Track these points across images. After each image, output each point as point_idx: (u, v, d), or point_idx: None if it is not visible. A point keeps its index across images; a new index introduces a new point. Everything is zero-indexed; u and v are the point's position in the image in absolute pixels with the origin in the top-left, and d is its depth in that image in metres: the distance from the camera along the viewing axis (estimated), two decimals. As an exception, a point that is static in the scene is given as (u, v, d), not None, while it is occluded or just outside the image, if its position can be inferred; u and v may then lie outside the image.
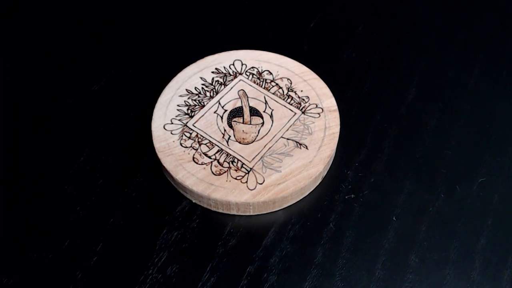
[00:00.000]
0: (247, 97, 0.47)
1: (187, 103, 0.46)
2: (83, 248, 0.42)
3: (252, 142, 0.44)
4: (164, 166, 0.43)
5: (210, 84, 0.48)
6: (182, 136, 0.44)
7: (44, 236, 0.42)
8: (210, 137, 0.44)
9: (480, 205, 0.44)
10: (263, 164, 0.43)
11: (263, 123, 0.45)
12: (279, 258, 0.42)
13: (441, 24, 0.56)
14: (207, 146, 0.44)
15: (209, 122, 0.45)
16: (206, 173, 0.42)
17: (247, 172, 0.43)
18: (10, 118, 0.48)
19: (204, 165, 0.43)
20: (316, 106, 0.47)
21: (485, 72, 0.52)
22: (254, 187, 0.42)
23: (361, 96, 0.49)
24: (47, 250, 0.41)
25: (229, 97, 0.47)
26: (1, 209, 0.43)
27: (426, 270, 0.41)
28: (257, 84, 0.48)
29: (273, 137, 0.45)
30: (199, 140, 0.44)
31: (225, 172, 0.43)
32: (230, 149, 0.44)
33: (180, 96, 0.47)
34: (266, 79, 0.48)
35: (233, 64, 0.49)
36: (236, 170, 0.43)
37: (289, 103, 0.47)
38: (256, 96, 0.47)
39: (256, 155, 0.44)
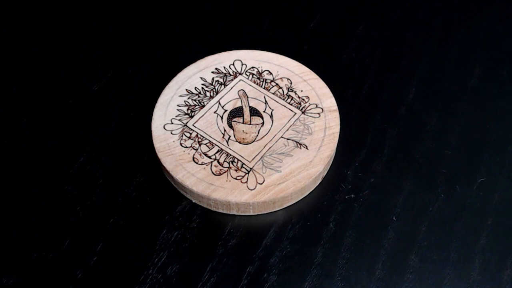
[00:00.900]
0: (247, 97, 0.47)
1: (187, 103, 0.46)
2: (83, 248, 0.42)
3: (252, 142, 0.44)
4: (164, 166, 0.43)
5: (210, 84, 0.48)
6: (182, 136, 0.44)
7: (44, 236, 0.42)
8: (210, 137, 0.44)
9: (480, 205, 0.44)
10: (263, 164, 0.43)
11: (263, 123, 0.45)
12: (279, 258, 0.42)
13: (441, 24, 0.56)
14: (207, 146, 0.44)
15: (209, 122, 0.45)
16: (206, 173, 0.42)
17: (247, 172, 0.43)
18: (10, 118, 0.48)
19: (204, 165, 0.43)
20: (316, 106, 0.47)
21: (485, 72, 0.52)
22: (254, 187, 0.42)
23: (361, 96, 0.49)
24: (47, 250, 0.41)
25: (229, 97, 0.47)
26: (1, 209, 0.43)
27: (426, 270, 0.41)
28: (257, 84, 0.48)
29: (273, 137, 0.45)
30: (199, 140, 0.44)
31: (225, 172, 0.43)
32: (230, 149, 0.44)
33: (180, 96, 0.47)
34: (266, 79, 0.48)
35: (233, 64, 0.49)
36: (236, 170, 0.43)
37: (289, 103, 0.47)
38: (256, 96, 0.47)
39: (256, 155, 0.44)
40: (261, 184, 0.42)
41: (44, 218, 0.43)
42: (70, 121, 0.48)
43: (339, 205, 0.44)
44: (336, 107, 0.46)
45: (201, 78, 0.48)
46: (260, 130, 0.45)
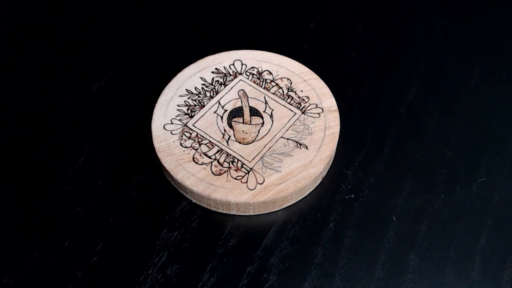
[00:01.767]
0: (247, 97, 0.47)
1: (187, 103, 0.46)
2: (83, 248, 0.42)
3: (252, 142, 0.44)
4: (164, 166, 0.43)
5: (210, 84, 0.48)
6: (182, 136, 0.44)
7: (44, 236, 0.42)
8: (210, 137, 0.44)
9: (480, 205, 0.44)
10: (263, 164, 0.43)
11: (263, 123, 0.45)
12: (279, 258, 0.42)
13: (441, 24, 0.56)
14: (207, 146, 0.44)
15: (209, 122, 0.45)
16: (206, 173, 0.42)
17: (247, 172, 0.43)
18: (10, 118, 0.48)
19: (204, 165, 0.43)
20: (316, 106, 0.47)
21: (485, 72, 0.52)
22: (254, 187, 0.42)
23: (361, 96, 0.49)
24: (47, 250, 0.41)
25: (229, 97, 0.47)
26: (1, 209, 0.43)
27: (426, 270, 0.41)
28: (257, 84, 0.48)
29: (273, 137, 0.45)
30: (199, 140, 0.44)
31: (225, 172, 0.43)
32: (230, 149, 0.44)
33: (180, 96, 0.47)
34: (266, 79, 0.48)
35: (233, 64, 0.49)
36: (236, 170, 0.43)
37: (289, 103, 0.47)
38: (256, 96, 0.47)
39: (256, 155, 0.44)
40: (261, 184, 0.42)
41: (44, 218, 0.43)
42: (70, 121, 0.48)
43: (339, 205, 0.44)
44: (336, 107, 0.46)
45: (201, 78, 0.48)
46: (260, 130, 0.45)
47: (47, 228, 0.42)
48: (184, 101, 0.46)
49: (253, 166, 0.43)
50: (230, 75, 0.48)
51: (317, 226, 0.43)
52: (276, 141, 0.44)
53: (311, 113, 0.46)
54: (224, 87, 0.47)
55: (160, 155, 0.43)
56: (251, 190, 0.42)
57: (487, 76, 0.51)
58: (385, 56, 0.53)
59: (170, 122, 0.45)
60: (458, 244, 0.43)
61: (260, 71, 0.49)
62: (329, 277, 0.41)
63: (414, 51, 0.53)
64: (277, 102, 0.47)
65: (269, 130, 0.45)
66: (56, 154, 0.46)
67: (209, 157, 0.43)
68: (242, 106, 0.46)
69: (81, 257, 0.41)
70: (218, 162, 0.43)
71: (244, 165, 0.43)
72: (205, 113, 0.46)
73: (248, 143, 0.44)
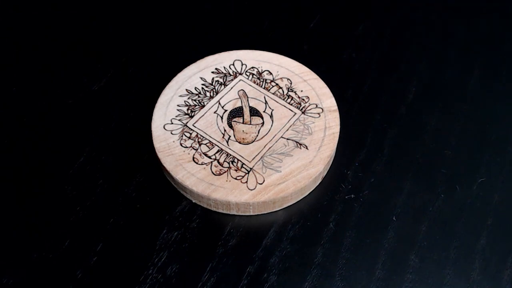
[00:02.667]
0: (247, 97, 0.47)
1: (187, 103, 0.46)
2: (83, 248, 0.42)
3: (252, 142, 0.44)
4: (164, 166, 0.43)
5: (210, 84, 0.48)
6: (182, 136, 0.44)
7: (44, 236, 0.42)
8: (210, 137, 0.44)
9: (480, 205, 0.44)
10: (263, 164, 0.43)
11: (263, 123, 0.45)
12: (279, 258, 0.42)
13: (441, 24, 0.56)
14: (207, 146, 0.44)
15: (209, 122, 0.45)
16: (206, 173, 0.42)
17: (247, 172, 0.43)
18: (10, 118, 0.48)
19: (204, 165, 0.43)
20: (316, 106, 0.47)
21: (485, 72, 0.52)
22: (254, 187, 0.42)
23: (361, 96, 0.49)
24: (47, 250, 0.41)
25: (229, 97, 0.47)
26: (1, 209, 0.43)
27: (426, 270, 0.41)
28: (257, 84, 0.48)
29: (273, 137, 0.45)
30: (199, 140, 0.44)
31: (225, 172, 0.43)
32: (230, 149, 0.44)
33: (180, 96, 0.47)
34: (266, 79, 0.48)
35: (233, 64, 0.49)
36: (236, 170, 0.43)
37: (289, 103, 0.47)
38: (256, 96, 0.47)
39: (256, 155, 0.44)
40: (261, 184, 0.42)
41: (44, 218, 0.43)
42: (70, 121, 0.48)
43: (339, 205, 0.44)
44: (336, 107, 0.46)
45: (201, 78, 0.48)
46: (260, 130, 0.45)
47: (47, 228, 0.42)
48: (184, 101, 0.46)
49: (253, 166, 0.43)
50: (230, 75, 0.48)
51: (317, 226, 0.43)
52: (276, 141, 0.44)
53: (311, 113, 0.46)
54: (224, 87, 0.47)
55: (160, 155, 0.43)
56: (251, 190, 0.42)
57: (487, 76, 0.51)
58: (385, 56, 0.53)
59: (170, 122, 0.45)
60: (458, 244, 0.43)
61: (260, 71, 0.49)
62: (329, 277, 0.41)
63: (414, 51, 0.53)
64: (277, 102, 0.47)
65: (269, 130, 0.45)
66: (56, 154, 0.46)
67: (209, 157, 0.43)
68: (242, 106, 0.46)
69: (81, 257, 0.41)
70: (218, 162, 0.43)
71: (244, 165, 0.43)
72: (205, 113, 0.46)
73: (248, 143, 0.44)
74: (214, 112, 0.46)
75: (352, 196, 0.44)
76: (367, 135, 0.48)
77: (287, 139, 0.45)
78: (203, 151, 0.44)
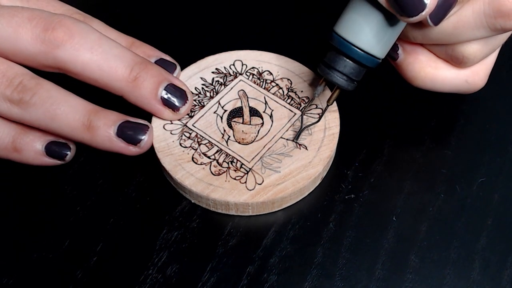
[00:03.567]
0: (247, 97, 0.47)
1: (187, 103, 0.46)
2: (83, 248, 0.42)
3: (251, 142, 0.44)
4: (163, 166, 0.43)
5: (210, 84, 0.48)
6: (181, 136, 0.44)
7: (44, 236, 0.42)
8: (210, 137, 0.45)
9: (480, 205, 0.44)
10: (262, 165, 0.43)
11: (262, 123, 0.45)
12: (279, 258, 0.42)
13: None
14: (206, 146, 0.44)
15: (208, 122, 0.45)
16: (205, 173, 0.43)
17: (246, 172, 0.43)
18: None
19: (204, 165, 0.43)
20: (316, 106, 0.47)
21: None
22: (253, 188, 0.42)
23: (361, 96, 0.49)
24: (47, 250, 0.41)
25: (229, 97, 0.47)
26: (1, 209, 0.43)
27: (426, 270, 0.41)
28: (257, 84, 0.48)
29: (273, 138, 0.45)
30: (199, 140, 0.44)
31: (224, 172, 0.43)
32: (229, 149, 0.44)
33: (180, 96, 0.47)
34: (266, 80, 0.48)
35: (233, 64, 0.49)
36: (235, 170, 0.43)
37: (289, 103, 0.47)
38: (256, 97, 0.47)
39: (256, 156, 0.44)
40: (260, 184, 0.42)
41: (44, 218, 0.43)
42: (70, 122, 0.48)
43: (339, 205, 0.44)
44: (336, 108, 0.46)
45: (201, 78, 0.48)
46: (260, 131, 0.45)
47: (47, 228, 0.42)
48: (184, 101, 0.46)
49: (252, 167, 0.43)
50: (230, 75, 0.48)
51: (317, 226, 0.43)
52: (275, 142, 0.44)
53: (311, 113, 0.46)
54: (224, 87, 0.48)
55: (160, 155, 0.43)
56: (250, 190, 0.42)
57: (488, 76, 0.51)
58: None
59: (169, 122, 0.45)
60: (458, 244, 0.43)
61: (260, 71, 0.49)
62: (329, 277, 0.41)
63: (415, 51, 0.53)
64: (277, 102, 0.47)
65: (268, 131, 0.45)
66: (57, 154, 0.46)
67: (209, 157, 0.43)
68: (242, 106, 0.46)
69: (81, 257, 0.41)
70: (218, 162, 0.43)
71: (243, 165, 0.43)
72: (205, 113, 0.46)
73: (247, 143, 0.44)
74: (214, 112, 0.46)
75: (352, 196, 0.44)
76: (367, 135, 0.48)
77: (287, 139, 0.45)
78: (203, 151, 0.44)
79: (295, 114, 0.46)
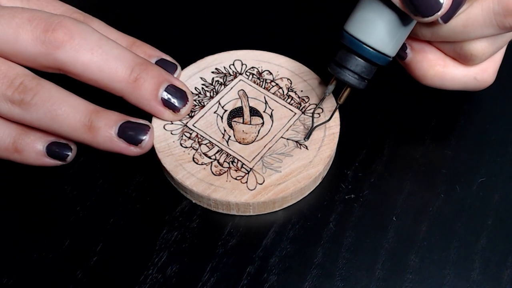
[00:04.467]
0: (247, 97, 0.47)
1: (187, 103, 0.46)
2: (83, 248, 0.42)
3: (252, 142, 0.44)
4: (164, 166, 0.43)
5: (210, 84, 0.48)
6: (182, 136, 0.44)
7: (44, 236, 0.42)
8: (210, 137, 0.44)
9: (480, 205, 0.44)
10: (263, 164, 0.43)
11: (263, 123, 0.45)
12: (279, 258, 0.42)
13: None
14: (207, 146, 0.44)
15: (209, 122, 0.45)
16: (206, 173, 0.42)
17: (247, 172, 0.43)
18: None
19: (204, 165, 0.43)
20: (316, 106, 0.47)
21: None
22: (254, 187, 0.42)
23: (361, 96, 0.49)
24: (47, 250, 0.41)
25: (229, 97, 0.47)
26: (1, 209, 0.43)
27: (426, 270, 0.41)
28: (257, 84, 0.48)
29: (273, 137, 0.45)
30: (199, 140, 0.44)
31: (225, 172, 0.43)
32: (230, 149, 0.44)
33: (180, 96, 0.47)
34: (266, 79, 0.48)
35: (233, 64, 0.49)
36: (236, 170, 0.43)
37: (289, 103, 0.47)
38: (256, 96, 0.47)
39: (256, 155, 0.44)
40: (261, 184, 0.42)
41: (44, 218, 0.43)
42: (70, 121, 0.48)
43: (339, 205, 0.44)
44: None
45: (201, 78, 0.48)
46: (260, 130, 0.45)
47: (47, 228, 0.42)
48: (184, 101, 0.46)
49: (253, 166, 0.43)
50: (230, 75, 0.48)
51: (317, 226, 0.43)
52: (276, 141, 0.44)
53: (311, 113, 0.46)
54: (224, 87, 0.48)
55: (160, 155, 0.43)
56: (251, 190, 0.42)
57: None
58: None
59: (170, 122, 0.45)
60: (458, 244, 0.43)
61: (260, 71, 0.49)
62: (329, 277, 0.41)
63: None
64: (277, 102, 0.47)
65: (269, 130, 0.45)
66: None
67: (209, 157, 0.43)
68: (242, 106, 0.46)
69: (81, 257, 0.41)
70: (218, 162, 0.43)
71: (244, 165, 0.43)
72: (205, 113, 0.46)
73: (248, 143, 0.44)
74: (214, 112, 0.46)
75: (352, 196, 0.44)
76: (367, 135, 0.48)
77: (287, 139, 0.45)
78: (203, 151, 0.44)
79: (295, 113, 0.46)
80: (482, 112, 0.49)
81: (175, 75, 0.46)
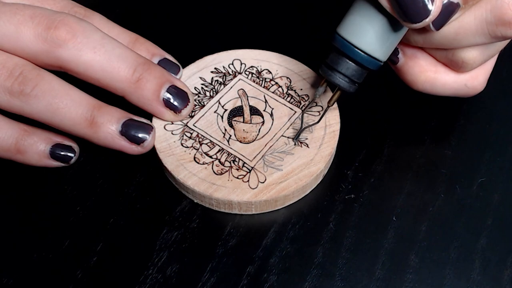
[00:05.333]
0: (247, 96, 0.47)
1: (187, 102, 0.46)
2: (83, 248, 0.41)
3: (252, 141, 0.44)
4: (165, 167, 0.43)
5: (209, 84, 0.48)
6: (182, 136, 0.44)
7: (44, 236, 0.42)
8: (211, 136, 0.44)
9: (480, 205, 0.44)
10: (264, 163, 0.43)
11: (263, 122, 0.45)
12: (279, 258, 0.42)
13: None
14: (208, 145, 0.44)
15: (209, 121, 0.45)
16: (208, 173, 0.42)
17: (248, 171, 0.43)
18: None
19: (206, 165, 0.43)
20: (316, 104, 0.47)
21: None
22: (256, 186, 0.42)
23: (361, 96, 0.49)
24: (47, 250, 0.41)
25: (229, 97, 0.47)
26: (1, 209, 0.43)
27: (426, 270, 0.41)
28: (256, 83, 0.48)
29: (274, 136, 0.45)
30: (200, 140, 0.44)
31: (226, 171, 0.43)
32: (231, 148, 0.44)
33: (180, 95, 0.47)
34: (265, 78, 0.48)
35: (232, 64, 0.49)
36: (237, 169, 0.43)
37: (289, 101, 0.47)
38: (256, 95, 0.47)
39: (257, 154, 0.44)
40: (263, 183, 0.42)
41: (44, 218, 0.43)
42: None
43: (339, 205, 0.44)
44: (336, 105, 0.46)
45: (200, 78, 0.48)
46: (261, 129, 0.45)
47: (47, 228, 0.42)
48: (184, 100, 0.46)
49: (255, 165, 0.43)
50: (230, 74, 0.48)
51: (317, 226, 0.43)
52: (276, 140, 0.44)
53: (311, 111, 0.46)
54: (224, 86, 0.47)
55: (161, 155, 0.43)
56: (253, 189, 0.42)
57: (487, 76, 0.51)
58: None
59: (170, 123, 0.45)
60: (458, 244, 0.43)
61: (259, 70, 0.49)
62: (329, 277, 0.41)
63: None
64: (277, 101, 0.47)
65: (269, 129, 0.45)
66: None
67: (210, 157, 0.43)
68: (242, 105, 0.46)
69: (81, 257, 0.41)
70: (220, 162, 0.43)
71: (245, 164, 0.43)
72: (205, 113, 0.46)
73: (249, 142, 0.44)
74: (214, 112, 0.46)
75: (352, 196, 0.44)
76: (367, 135, 0.48)
77: (288, 137, 0.45)
78: (204, 151, 0.44)
79: (295, 112, 0.46)
80: (482, 112, 0.49)
81: (178, 76, 0.46)
